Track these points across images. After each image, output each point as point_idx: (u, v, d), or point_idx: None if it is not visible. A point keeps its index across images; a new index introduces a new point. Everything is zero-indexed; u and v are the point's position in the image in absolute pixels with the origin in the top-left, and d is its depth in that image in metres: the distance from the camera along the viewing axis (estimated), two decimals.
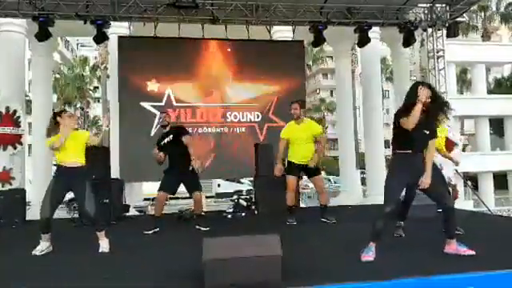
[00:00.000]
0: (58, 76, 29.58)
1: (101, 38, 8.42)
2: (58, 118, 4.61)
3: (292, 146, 6.00)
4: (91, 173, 5.07)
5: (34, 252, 4.41)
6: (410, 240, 4.74)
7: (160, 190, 5.69)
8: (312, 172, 6.04)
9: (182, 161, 5.64)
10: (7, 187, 7.45)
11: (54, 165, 13.94)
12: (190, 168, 5.59)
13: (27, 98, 12.21)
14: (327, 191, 6.74)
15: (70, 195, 4.92)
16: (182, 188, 5.94)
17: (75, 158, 4.57)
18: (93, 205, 4.55)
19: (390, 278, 3.20)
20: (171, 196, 6.03)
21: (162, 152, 5.71)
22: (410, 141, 3.88)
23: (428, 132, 3.90)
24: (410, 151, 3.91)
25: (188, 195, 5.91)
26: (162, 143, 5.77)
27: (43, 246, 4.49)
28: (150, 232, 5.56)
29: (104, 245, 4.55)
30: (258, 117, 9.55)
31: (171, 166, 5.74)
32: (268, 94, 9.57)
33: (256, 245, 3.10)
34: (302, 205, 10.00)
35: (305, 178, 6.74)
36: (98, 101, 31.40)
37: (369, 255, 3.83)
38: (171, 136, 5.74)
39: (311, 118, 7.46)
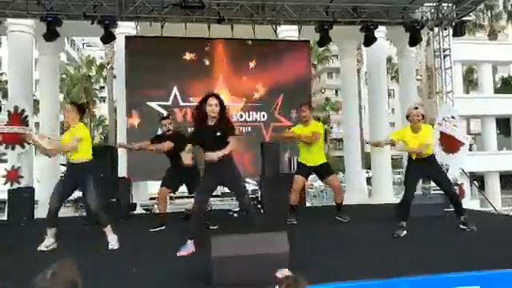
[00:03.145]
0: (64, 76, 29.75)
1: (108, 38, 8.47)
2: None
3: (302, 148, 6.01)
4: (97, 169, 5.11)
5: (39, 248, 4.45)
6: (416, 239, 4.75)
7: (162, 185, 5.73)
8: (324, 173, 6.04)
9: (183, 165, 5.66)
10: (16, 186, 7.53)
11: (61, 164, 13.97)
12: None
13: (34, 98, 12.29)
14: (343, 190, 6.71)
15: (76, 194, 4.99)
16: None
17: (78, 154, 4.60)
18: (94, 199, 4.58)
19: (395, 277, 3.22)
20: (177, 196, 6.07)
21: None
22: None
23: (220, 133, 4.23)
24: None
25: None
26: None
27: (48, 242, 4.53)
28: (156, 229, 5.62)
29: (112, 241, 4.59)
30: (263, 116, 9.57)
31: (174, 165, 5.70)
32: (274, 94, 9.60)
33: (264, 242, 3.13)
34: (307, 204, 10.01)
35: (309, 177, 6.71)
36: (104, 100, 31.59)
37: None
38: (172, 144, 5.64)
39: (317, 118, 7.45)
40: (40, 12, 7.95)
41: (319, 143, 5.96)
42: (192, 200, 9.02)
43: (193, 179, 5.68)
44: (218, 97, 4.33)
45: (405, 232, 4.93)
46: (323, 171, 6.02)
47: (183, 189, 6.13)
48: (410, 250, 4.26)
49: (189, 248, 4.18)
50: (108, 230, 4.63)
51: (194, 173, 5.69)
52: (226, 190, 5.24)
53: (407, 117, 5.25)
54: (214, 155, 4.13)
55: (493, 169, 20.95)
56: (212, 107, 4.21)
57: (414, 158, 5.16)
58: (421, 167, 5.14)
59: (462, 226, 5.17)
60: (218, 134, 4.22)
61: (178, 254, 4.15)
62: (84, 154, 4.62)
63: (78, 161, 4.60)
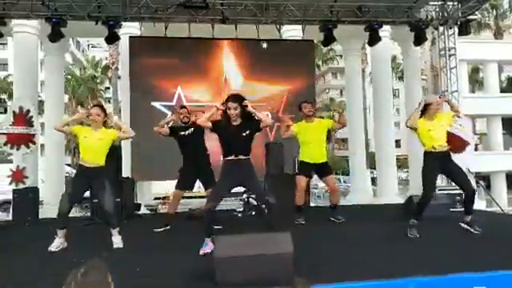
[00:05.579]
0: (69, 77, 29.90)
1: (112, 39, 8.49)
2: None
3: (303, 146, 5.97)
4: (110, 172, 5.15)
5: (49, 248, 4.48)
6: (422, 239, 4.72)
7: (177, 187, 5.71)
8: (323, 172, 6.02)
9: (200, 157, 5.65)
10: (21, 186, 7.56)
11: (66, 164, 13.95)
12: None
13: (39, 99, 12.34)
14: (339, 191, 6.70)
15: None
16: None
17: (96, 158, 4.66)
18: (112, 204, 4.68)
19: (401, 277, 3.19)
20: (183, 195, 6.03)
21: (178, 143, 5.68)
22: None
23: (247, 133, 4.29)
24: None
25: (199, 194, 5.94)
26: (181, 134, 5.65)
27: (58, 242, 4.56)
28: (161, 230, 5.61)
29: (117, 240, 4.64)
30: (267, 116, 9.53)
31: (188, 163, 5.66)
32: (278, 94, 9.57)
33: (268, 242, 3.12)
34: (311, 204, 9.97)
35: (314, 177, 6.69)
36: (109, 101, 31.71)
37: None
38: (192, 129, 5.58)
39: (321, 118, 7.41)
40: (44, 13, 7.98)
41: (320, 141, 5.93)
42: (196, 200, 9.04)
43: (208, 176, 5.63)
44: (237, 98, 4.29)
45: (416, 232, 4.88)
46: (323, 170, 5.99)
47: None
48: (415, 251, 4.23)
49: (209, 245, 4.12)
50: (115, 231, 4.69)
51: (208, 170, 5.66)
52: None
53: (426, 105, 5.02)
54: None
55: (499, 168, 20.77)
56: (231, 111, 4.22)
57: (433, 150, 4.98)
58: (439, 163, 4.99)
59: (464, 226, 5.06)
60: (245, 133, 4.26)
61: (202, 253, 4.10)
62: (103, 158, 4.72)
63: (95, 165, 4.65)
